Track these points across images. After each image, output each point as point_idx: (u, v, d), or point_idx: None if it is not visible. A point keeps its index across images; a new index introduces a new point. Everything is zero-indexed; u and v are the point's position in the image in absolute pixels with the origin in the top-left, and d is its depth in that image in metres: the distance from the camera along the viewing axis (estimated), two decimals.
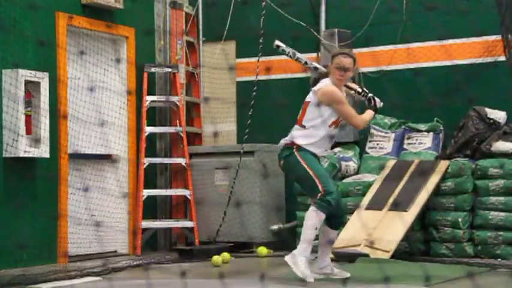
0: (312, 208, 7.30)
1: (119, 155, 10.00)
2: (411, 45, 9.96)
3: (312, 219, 7.24)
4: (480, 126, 9.30)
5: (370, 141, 10.02)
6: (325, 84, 7.45)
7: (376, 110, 7.63)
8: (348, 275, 7.48)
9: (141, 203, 9.93)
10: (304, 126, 7.44)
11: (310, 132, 7.40)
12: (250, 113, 10.20)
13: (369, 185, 9.30)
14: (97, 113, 9.74)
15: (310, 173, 7.32)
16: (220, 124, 11.10)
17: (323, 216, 7.26)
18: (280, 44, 7.86)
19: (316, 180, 7.30)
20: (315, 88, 7.48)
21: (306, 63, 7.88)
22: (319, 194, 7.26)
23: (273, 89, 10.55)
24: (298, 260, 7.21)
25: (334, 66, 7.43)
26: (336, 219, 7.52)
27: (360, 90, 7.67)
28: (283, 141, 7.52)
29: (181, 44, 10.63)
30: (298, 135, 7.43)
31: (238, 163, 9.97)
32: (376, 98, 7.62)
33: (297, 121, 7.51)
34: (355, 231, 8.72)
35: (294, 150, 7.40)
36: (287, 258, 7.30)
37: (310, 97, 7.50)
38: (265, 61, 10.55)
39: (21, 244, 8.65)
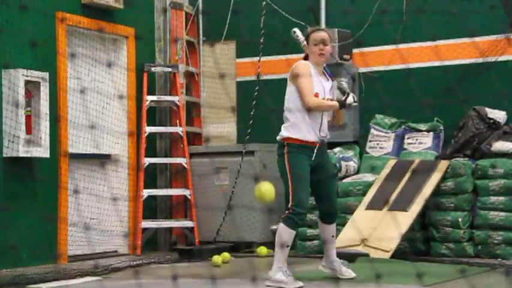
0: (280, 225, 7.10)
1: (119, 154, 10.00)
2: (411, 45, 9.95)
3: (281, 237, 7.04)
4: (480, 126, 9.30)
5: (370, 141, 10.01)
6: (296, 63, 7.30)
7: (342, 105, 7.19)
8: (354, 275, 7.46)
9: (141, 203, 9.93)
10: (286, 115, 7.24)
11: (292, 118, 7.15)
12: (251, 113, 10.20)
13: (369, 185, 9.30)
14: (97, 112, 9.74)
15: (289, 180, 7.09)
16: (220, 124, 11.10)
17: (292, 231, 7.05)
18: (298, 31, 7.68)
19: (290, 192, 7.09)
20: None
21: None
22: (287, 211, 7.09)
23: (273, 89, 10.56)
24: (276, 278, 7.02)
25: (312, 44, 7.25)
26: (327, 215, 7.42)
27: (344, 82, 7.36)
28: (277, 137, 7.28)
29: (181, 44, 10.64)
30: (284, 127, 7.21)
31: (238, 163, 9.97)
32: (351, 96, 7.25)
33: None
34: (355, 231, 8.72)
35: (285, 149, 7.13)
36: (267, 283, 7.07)
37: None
38: (266, 61, 10.56)
39: (21, 244, 8.65)
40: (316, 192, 7.41)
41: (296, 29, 7.69)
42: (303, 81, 7.12)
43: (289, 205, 7.09)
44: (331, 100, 7.27)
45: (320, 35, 7.27)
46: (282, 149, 7.20)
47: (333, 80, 7.44)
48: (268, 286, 7.06)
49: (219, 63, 11.01)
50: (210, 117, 11.08)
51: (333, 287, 7.23)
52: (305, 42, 7.48)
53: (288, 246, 7.06)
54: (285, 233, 7.04)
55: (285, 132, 7.20)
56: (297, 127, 7.15)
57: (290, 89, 7.27)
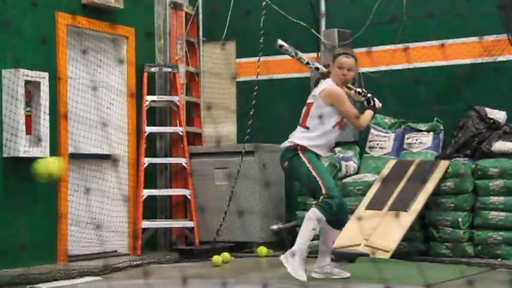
0: (312, 209, 7.29)
1: (118, 155, 9.99)
2: (411, 45, 9.95)
3: (312, 220, 7.23)
4: (480, 126, 9.30)
5: (370, 141, 10.02)
6: (328, 84, 7.46)
7: (376, 110, 7.62)
8: (348, 275, 7.48)
9: (141, 203, 9.93)
10: (308, 128, 7.43)
11: (314, 134, 7.40)
12: (251, 113, 10.20)
13: (369, 185, 9.30)
14: (97, 112, 9.74)
15: (314, 173, 7.31)
16: (220, 124, 11.10)
17: (323, 218, 7.25)
18: (283, 43, 7.82)
19: (320, 182, 7.29)
20: (318, 89, 7.48)
21: (307, 63, 7.82)
22: (322, 197, 7.26)
23: (273, 89, 10.55)
24: (291, 259, 7.16)
25: (336, 66, 7.45)
26: (338, 220, 7.49)
27: (359, 90, 7.66)
28: (286, 143, 7.49)
29: (181, 44, 10.63)
30: (301, 137, 7.42)
31: (238, 163, 9.97)
32: (375, 98, 7.61)
33: (300, 122, 7.50)
34: (355, 231, 8.72)
35: (298, 151, 7.38)
36: (282, 257, 7.26)
37: (312, 98, 7.49)
38: (265, 61, 10.55)
39: (21, 244, 8.65)
40: None
41: (280, 41, 7.72)
42: (347, 106, 7.41)
43: (323, 192, 7.25)
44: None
45: (347, 62, 7.45)
46: (294, 151, 7.42)
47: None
48: (281, 259, 7.22)
49: (219, 63, 11.01)
50: (210, 117, 11.08)
51: (333, 287, 7.23)
52: (294, 54, 7.62)
53: (314, 229, 7.23)
54: (314, 218, 7.21)
55: (299, 141, 7.40)
56: (313, 142, 7.39)
57: (322, 107, 7.40)
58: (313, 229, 7.25)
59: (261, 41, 10.25)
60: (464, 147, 9.31)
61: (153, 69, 10.31)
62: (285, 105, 10.09)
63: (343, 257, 8.35)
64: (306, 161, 7.33)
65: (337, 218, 7.45)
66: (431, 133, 9.72)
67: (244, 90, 10.83)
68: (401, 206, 8.83)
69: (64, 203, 9.14)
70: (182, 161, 10.26)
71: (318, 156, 7.44)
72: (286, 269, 7.24)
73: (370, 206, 9.01)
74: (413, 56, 9.93)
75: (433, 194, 8.89)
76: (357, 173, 9.83)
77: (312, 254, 9.29)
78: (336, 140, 7.79)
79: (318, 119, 7.40)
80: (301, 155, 7.36)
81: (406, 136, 9.86)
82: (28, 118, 8.66)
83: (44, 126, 8.72)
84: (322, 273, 7.52)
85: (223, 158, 10.20)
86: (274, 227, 9.99)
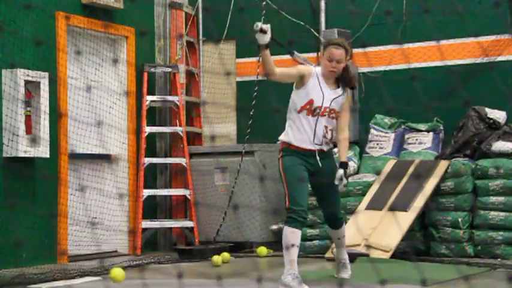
0: (284, 227, 7.02)
1: (118, 155, 10.00)
2: (411, 46, 9.95)
3: (285, 237, 6.93)
4: (480, 126, 9.30)
5: (370, 141, 10.01)
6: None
7: (258, 46, 6.80)
8: (346, 276, 7.46)
9: (141, 203, 9.93)
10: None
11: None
12: (250, 113, 10.20)
13: (369, 185, 9.30)
14: (97, 112, 9.74)
15: (283, 184, 7.06)
16: (220, 124, 11.10)
17: (295, 231, 6.91)
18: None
19: (286, 194, 7.02)
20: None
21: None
22: (286, 209, 7.03)
23: (273, 89, 10.54)
24: (285, 281, 6.85)
25: (326, 58, 7.07)
26: (330, 222, 7.42)
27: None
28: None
29: (181, 44, 10.64)
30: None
31: (238, 163, 9.97)
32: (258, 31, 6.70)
33: None
34: (355, 231, 8.72)
35: (279, 155, 7.19)
36: (279, 286, 6.89)
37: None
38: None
39: (21, 244, 8.65)
40: (318, 200, 7.44)
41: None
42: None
43: (286, 206, 7.04)
44: (333, 110, 7.09)
45: (337, 53, 7.03)
46: (279, 154, 7.19)
47: (354, 88, 7.29)
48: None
49: (220, 63, 11.01)
50: (210, 117, 11.09)
51: (333, 287, 7.23)
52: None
53: (292, 245, 6.93)
54: (286, 233, 6.97)
55: (282, 135, 7.17)
56: (291, 130, 7.11)
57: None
58: (292, 245, 6.86)
59: None
60: (464, 147, 9.31)
61: (153, 69, 10.32)
62: (285, 105, 10.07)
63: None
64: (280, 168, 7.06)
65: (330, 220, 7.39)
66: (431, 133, 9.71)
67: (244, 90, 10.83)
68: (401, 206, 8.83)
69: (64, 202, 9.14)
70: (182, 161, 10.26)
71: (299, 157, 7.04)
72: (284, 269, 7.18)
73: (370, 206, 9.01)
74: (413, 56, 9.93)
75: (433, 194, 8.89)
76: (357, 173, 9.82)
77: (311, 254, 9.31)
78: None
79: (290, 102, 7.21)
80: (280, 160, 7.13)
81: (406, 136, 9.86)
82: (28, 118, 8.66)
83: (44, 126, 8.72)
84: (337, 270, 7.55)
85: (223, 158, 10.20)
86: (274, 227, 9.99)
